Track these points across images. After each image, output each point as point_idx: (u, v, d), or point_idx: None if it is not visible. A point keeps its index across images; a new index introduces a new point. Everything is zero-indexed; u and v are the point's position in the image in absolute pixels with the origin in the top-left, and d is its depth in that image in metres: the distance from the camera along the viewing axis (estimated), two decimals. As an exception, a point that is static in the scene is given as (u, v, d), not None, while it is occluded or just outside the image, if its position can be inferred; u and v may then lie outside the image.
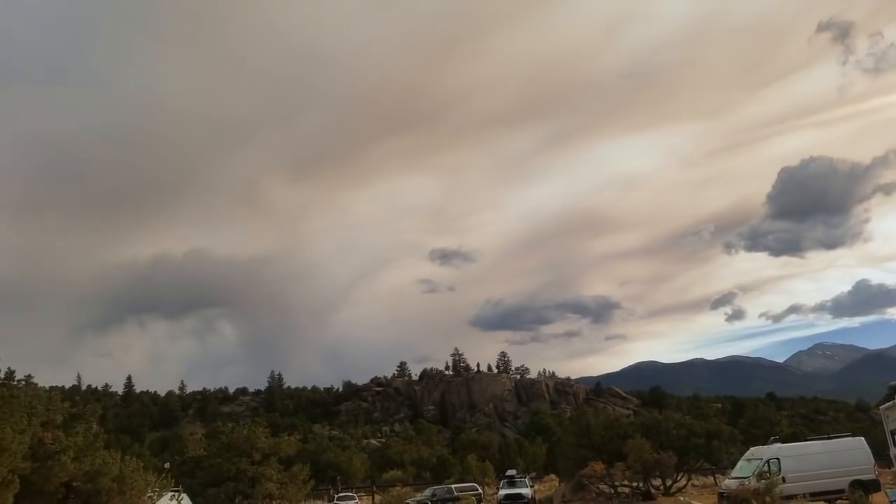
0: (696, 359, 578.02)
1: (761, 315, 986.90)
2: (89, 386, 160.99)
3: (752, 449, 31.48)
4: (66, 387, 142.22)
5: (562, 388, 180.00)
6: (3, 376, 19.73)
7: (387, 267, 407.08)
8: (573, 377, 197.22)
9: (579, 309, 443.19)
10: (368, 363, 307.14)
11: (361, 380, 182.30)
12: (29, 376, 21.34)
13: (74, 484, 20.03)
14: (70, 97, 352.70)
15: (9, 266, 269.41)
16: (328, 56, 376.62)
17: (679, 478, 39.78)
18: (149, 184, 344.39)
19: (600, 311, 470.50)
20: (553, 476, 59.74)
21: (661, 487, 39.05)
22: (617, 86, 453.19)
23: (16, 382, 20.20)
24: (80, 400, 37.55)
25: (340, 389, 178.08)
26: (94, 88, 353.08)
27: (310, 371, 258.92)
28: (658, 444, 38.15)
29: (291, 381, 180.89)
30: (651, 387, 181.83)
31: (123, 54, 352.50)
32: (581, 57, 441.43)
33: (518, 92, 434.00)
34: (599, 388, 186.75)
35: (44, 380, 23.59)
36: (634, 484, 38.16)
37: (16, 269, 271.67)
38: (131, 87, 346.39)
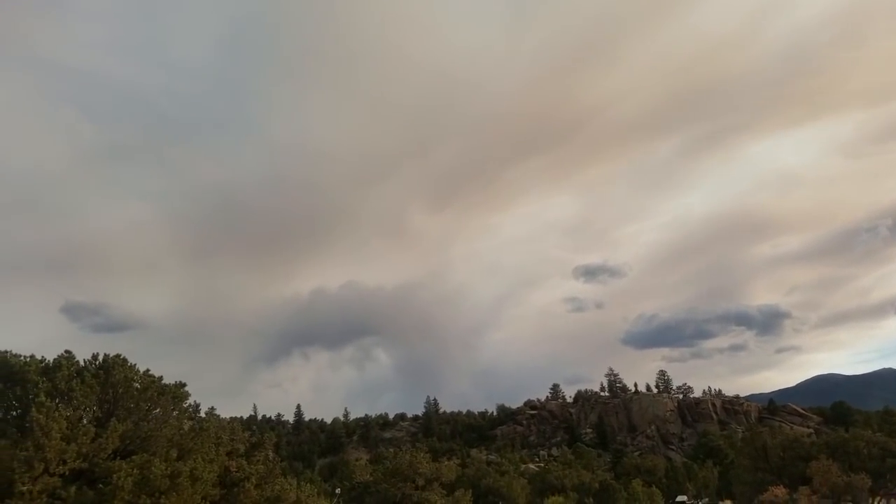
0: (885, 369, 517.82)
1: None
2: (264, 416, 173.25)
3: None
4: (244, 417, 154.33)
5: (730, 407, 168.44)
6: (191, 410, 21.61)
7: (532, 287, 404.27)
8: (742, 395, 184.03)
9: (743, 320, 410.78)
10: (519, 385, 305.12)
11: (513, 402, 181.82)
12: (212, 409, 23.31)
13: (258, 509, 21.54)
14: (232, 148, 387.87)
15: (189, 307, 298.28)
16: (462, 81, 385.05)
17: (875, 502, 35.82)
18: (304, 223, 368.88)
19: (767, 322, 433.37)
20: (728, 502, 55.96)
21: (856, 515, 35.33)
22: (769, 77, 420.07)
23: (203, 415, 22.14)
24: (257, 429, 40.61)
25: (494, 413, 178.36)
26: (252, 139, 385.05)
27: (463, 394, 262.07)
28: (847, 466, 34.82)
29: (446, 405, 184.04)
30: (833, 402, 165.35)
31: (275, 104, 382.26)
32: (727, 50, 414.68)
33: (660, 95, 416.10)
34: (773, 405, 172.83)
35: (223, 411, 25.67)
36: (823, 511, 34.90)
37: (195, 309, 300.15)
38: (284, 134, 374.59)
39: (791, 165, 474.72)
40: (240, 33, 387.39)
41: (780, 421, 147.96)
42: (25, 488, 15.52)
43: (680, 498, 43.00)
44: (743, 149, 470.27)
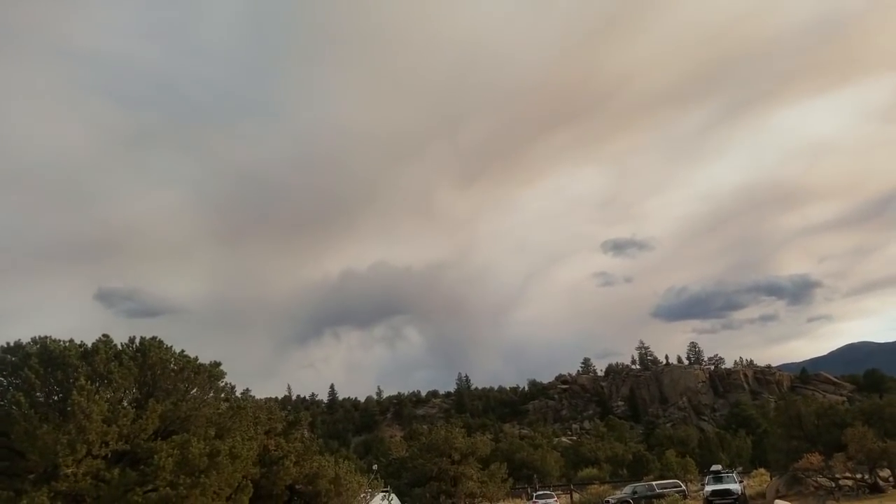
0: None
1: None
2: (298, 396, 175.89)
3: None
4: (279, 397, 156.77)
5: (762, 377, 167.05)
6: (227, 391, 21.90)
7: (560, 263, 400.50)
8: (774, 364, 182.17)
9: (774, 290, 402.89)
10: (550, 360, 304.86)
11: (545, 378, 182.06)
12: (247, 390, 23.65)
13: (297, 486, 21.93)
14: (258, 132, 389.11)
15: (220, 290, 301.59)
16: (489, 55, 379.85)
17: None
18: (333, 204, 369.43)
19: (798, 292, 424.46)
20: (762, 470, 55.59)
21: (892, 479, 35.13)
22: (797, 44, 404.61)
23: (239, 395, 22.46)
24: (292, 409, 41.36)
25: (526, 388, 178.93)
26: (278, 121, 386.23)
27: (493, 371, 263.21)
28: (883, 432, 34.53)
29: (478, 381, 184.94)
30: (866, 370, 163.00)
31: (300, 86, 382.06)
32: (754, 18, 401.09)
33: (685, 65, 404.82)
34: (805, 374, 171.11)
35: (258, 392, 26.06)
36: (858, 476, 34.62)
37: (226, 293, 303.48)
38: (310, 116, 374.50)
39: (822, 133, 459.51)
40: (262, 15, 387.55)
41: (813, 389, 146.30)
42: (70, 471, 15.89)
43: (714, 467, 42.75)
44: (772, 118, 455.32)
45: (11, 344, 17.87)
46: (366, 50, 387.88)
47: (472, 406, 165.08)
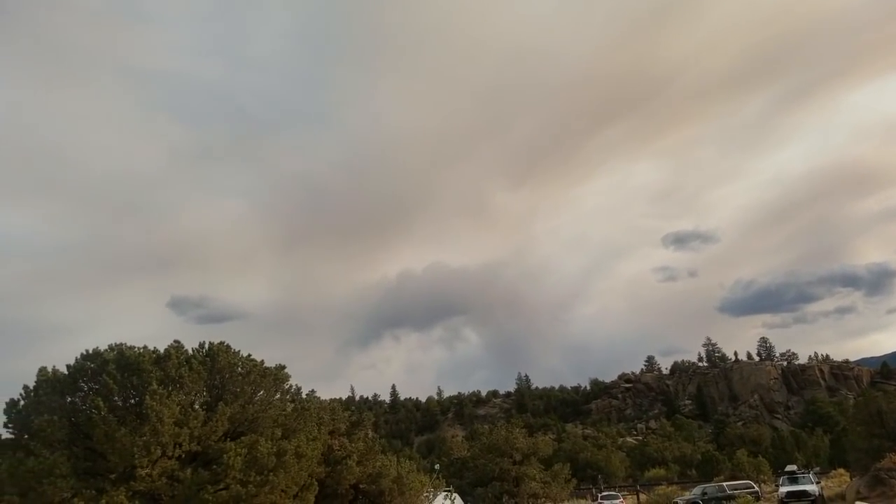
0: None
1: None
2: (361, 396, 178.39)
3: None
4: (343, 398, 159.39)
5: (839, 373, 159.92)
6: (292, 392, 22.43)
7: (620, 258, 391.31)
8: (852, 359, 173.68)
9: (850, 281, 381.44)
10: (612, 358, 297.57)
11: (607, 376, 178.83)
12: (312, 391, 24.15)
13: (361, 485, 22.29)
14: (313, 140, 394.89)
15: (283, 296, 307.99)
16: (535, 53, 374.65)
17: None
18: (388, 208, 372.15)
19: (877, 282, 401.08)
20: (841, 471, 53.27)
21: None
22: (867, 18, 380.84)
23: (304, 397, 22.98)
24: (356, 409, 41.78)
25: (588, 387, 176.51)
26: (332, 128, 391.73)
27: (554, 370, 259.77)
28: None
29: (538, 381, 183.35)
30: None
31: (349, 93, 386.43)
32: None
33: (745, 48, 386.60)
34: (887, 368, 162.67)
35: (323, 394, 26.53)
36: (950, 478, 32.71)
37: (289, 298, 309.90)
38: (360, 121, 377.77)
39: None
40: (309, 25, 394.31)
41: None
42: (146, 471, 16.59)
43: (790, 467, 41.16)
44: (842, 98, 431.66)
45: (90, 351, 18.78)
46: (412, 52, 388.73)
47: (532, 406, 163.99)
